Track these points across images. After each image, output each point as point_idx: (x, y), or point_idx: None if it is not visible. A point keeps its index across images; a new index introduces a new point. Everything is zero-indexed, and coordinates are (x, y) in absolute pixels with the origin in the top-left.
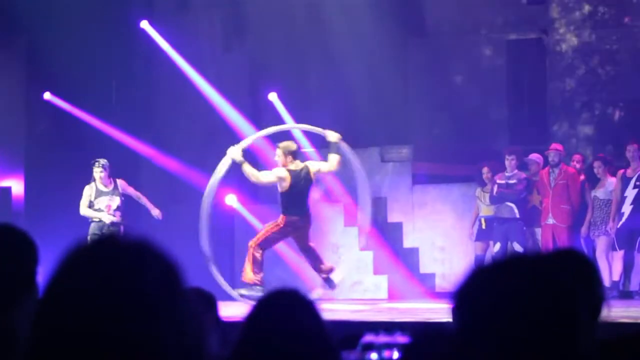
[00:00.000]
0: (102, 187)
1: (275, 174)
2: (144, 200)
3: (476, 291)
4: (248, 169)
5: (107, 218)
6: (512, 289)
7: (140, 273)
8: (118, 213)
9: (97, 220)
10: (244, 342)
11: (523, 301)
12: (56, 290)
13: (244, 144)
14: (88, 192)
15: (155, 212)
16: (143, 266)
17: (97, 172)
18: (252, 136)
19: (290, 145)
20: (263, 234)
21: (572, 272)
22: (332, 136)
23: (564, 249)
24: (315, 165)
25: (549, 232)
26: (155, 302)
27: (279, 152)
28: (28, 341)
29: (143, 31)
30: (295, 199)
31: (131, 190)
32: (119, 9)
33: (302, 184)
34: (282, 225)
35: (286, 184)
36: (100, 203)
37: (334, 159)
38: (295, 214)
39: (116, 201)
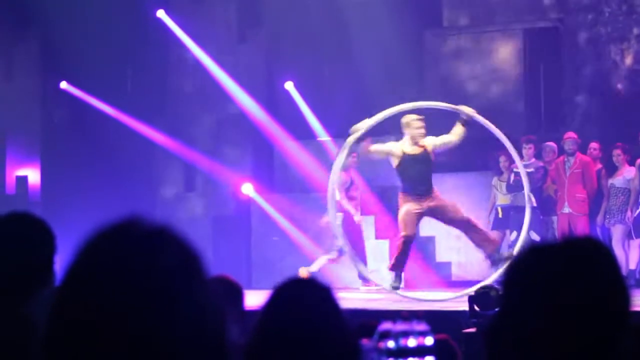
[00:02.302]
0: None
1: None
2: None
3: (527, 269)
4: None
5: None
6: (564, 270)
7: (160, 262)
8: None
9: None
10: (262, 330)
11: (573, 283)
12: (74, 278)
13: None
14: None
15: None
16: (163, 255)
17: (352, 161)
18: (382, 114)
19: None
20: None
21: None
22: (467, 110)
23: (580, 237)
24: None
25: (565, 220)
26: (175, 291)
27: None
28: (45, 329)
29: (159, 20)
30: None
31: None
32: None
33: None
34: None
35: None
36: (353, 191)
37: (457, 130)
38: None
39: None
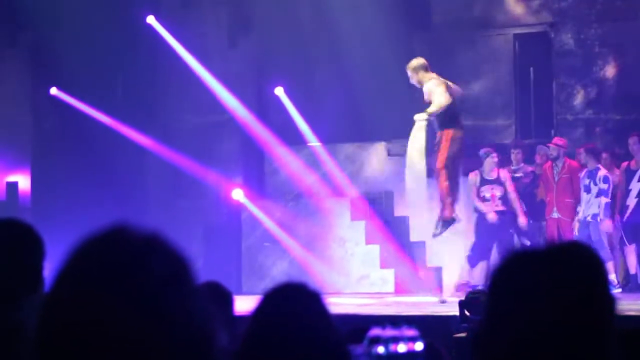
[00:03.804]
0: (487, 176)
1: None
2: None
3: (512, 275)
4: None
5: (490, 210)
6: (549, 276)
7: (149, 268)
8: (500, 202)
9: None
10: (252, 336)
11: (559, 288)
12: (63, 284)
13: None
14: (473, 180)
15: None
16: (152, 261)
17: (490, 161)
18: None
19: (417, 61)
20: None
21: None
22: None
23: (566, 242)
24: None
25: (554, 225)
26: (164, 298)
27: (411, 74)
28: (35, 336)
29: (149, 26)
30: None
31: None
32: (125, 4)
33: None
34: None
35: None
36: (485, 192)
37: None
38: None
39: (499, 190)
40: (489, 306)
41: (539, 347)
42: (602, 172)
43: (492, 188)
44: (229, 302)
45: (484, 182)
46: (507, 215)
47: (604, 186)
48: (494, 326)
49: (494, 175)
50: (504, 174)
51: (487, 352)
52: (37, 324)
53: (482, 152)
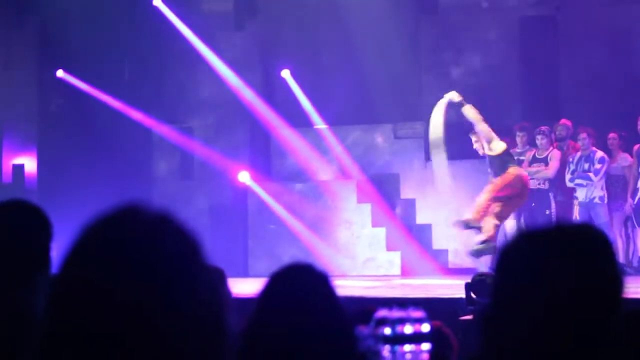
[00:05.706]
0: (537, 154)
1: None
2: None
3: (519, 256)
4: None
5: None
6: (557, 256)
7: (162, 248)
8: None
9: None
10: (259, 317)
11: (567, 269)
12: (74, 264)
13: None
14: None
15: None
16: (164, 241)
17: (538, 139)
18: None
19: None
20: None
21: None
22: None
23: (575, 223)
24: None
25: (560, 208)
26: (176, 278)
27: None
28: (45, 317)
29: (156, 9)
30: None
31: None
32: None
33: None
34: None
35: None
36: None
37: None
38: None
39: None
40: (496, 288)
41: (547, 328)
42: (599, 153)
43: (539, 166)
44: (223, 281)
45: (534, 160)
46: (545, 193)
47: (598, 166)
48: (501, 308)
49: (544, 154)
50: (554, 154)
51: (494, 334)
52: (47, 304)
53: (537, 130)
